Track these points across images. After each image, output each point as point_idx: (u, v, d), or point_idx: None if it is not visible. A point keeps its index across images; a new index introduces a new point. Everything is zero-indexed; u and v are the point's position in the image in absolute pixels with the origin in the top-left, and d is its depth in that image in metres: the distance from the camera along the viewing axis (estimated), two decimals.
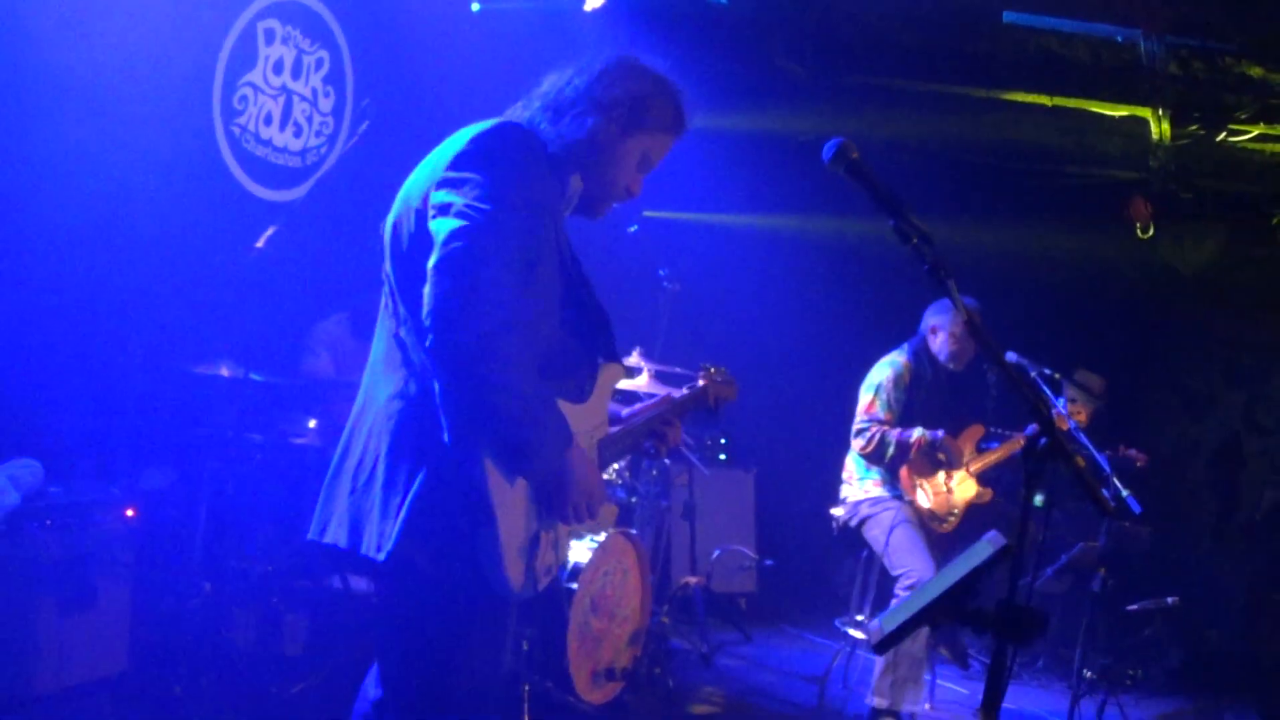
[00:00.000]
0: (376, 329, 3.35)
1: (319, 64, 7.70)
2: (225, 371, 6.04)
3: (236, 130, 7.15)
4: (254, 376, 6.03)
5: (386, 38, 8.08)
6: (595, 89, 3.38)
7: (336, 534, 3.20)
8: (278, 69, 7.39)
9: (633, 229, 8.30)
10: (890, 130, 10.16)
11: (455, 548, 3.06)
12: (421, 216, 3.12)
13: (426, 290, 2.95)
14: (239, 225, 6.57)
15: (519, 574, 3.13)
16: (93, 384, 6.31)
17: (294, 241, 6.35)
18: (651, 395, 4.20)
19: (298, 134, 7.57)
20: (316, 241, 7.07)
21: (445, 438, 3.02)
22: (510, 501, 3.11)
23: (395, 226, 3.24)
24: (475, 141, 3.15)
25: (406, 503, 3.05)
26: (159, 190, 6.52)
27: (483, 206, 3.00)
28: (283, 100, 7.45)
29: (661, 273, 8.85)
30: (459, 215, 2.99)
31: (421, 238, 3.10)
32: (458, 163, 3.11)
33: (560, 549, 3.38)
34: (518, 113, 3.43)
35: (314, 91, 7.68)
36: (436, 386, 3.05)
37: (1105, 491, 6.62)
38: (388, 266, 3.27)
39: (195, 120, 6.93)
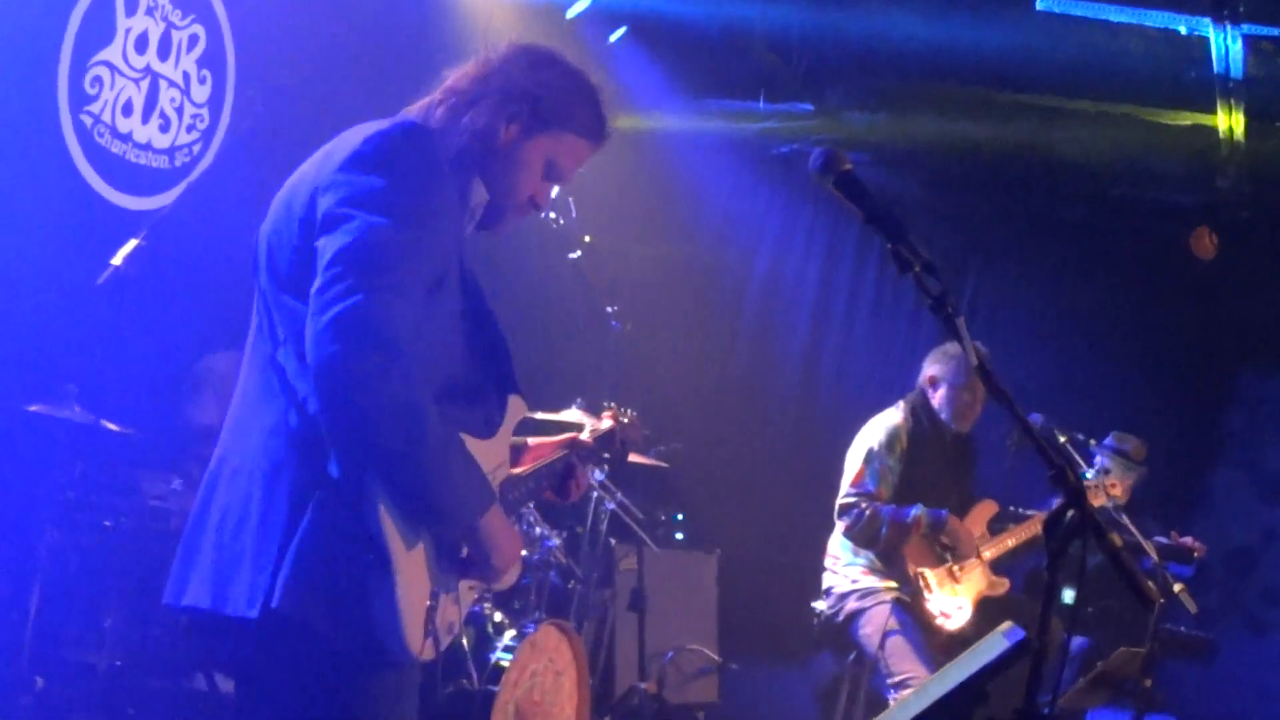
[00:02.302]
0: (247, 352, 3.52)
1: (192, 42, 7.79)
2: (71, 415, 6.10)
3: (88, 120, 7.21)
4: (107, 424, 6.12)
5: (278, 14, 8.13)
6: (494, 80, 3.57)
7: (196, 594, 3.25)
8: (140, 46, 7.47)
9: (575, 256, 8.33)
10: (894, 142, 10.25)
11: (345, 604, 3.16)
12: (307, 227, 3.28)
13: (314, 325, 3.10)
14: (91, 237, 6.69)
15: (418, 634, 3.25)
16: None
17: (162, 259, 6.43)
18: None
19: (164, 128, 7.65)
20: (190, 260, 7.16)
21: (334, 473, 3.17)
22: (409, 552, 3.26)
23: (273, 237, 3.41)
24: (371, 143, 3.31)
25: (288, 552, 3.13)
26: None
27: (380, 221, 3.16)
28: (146, 85, 7.53)
29: (610, 310, 8.91)
30: (352, 234, 3.14)
31: (307, 251, 3.25)
32: (350, 166, 3.28)
33: (461, 604, 3.55)
34: (416, 109, 3.61)
35: (185, 76, 7.76)
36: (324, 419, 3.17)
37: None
38: (263, 281, 3.44)
39: (35, 106, 6.95)
